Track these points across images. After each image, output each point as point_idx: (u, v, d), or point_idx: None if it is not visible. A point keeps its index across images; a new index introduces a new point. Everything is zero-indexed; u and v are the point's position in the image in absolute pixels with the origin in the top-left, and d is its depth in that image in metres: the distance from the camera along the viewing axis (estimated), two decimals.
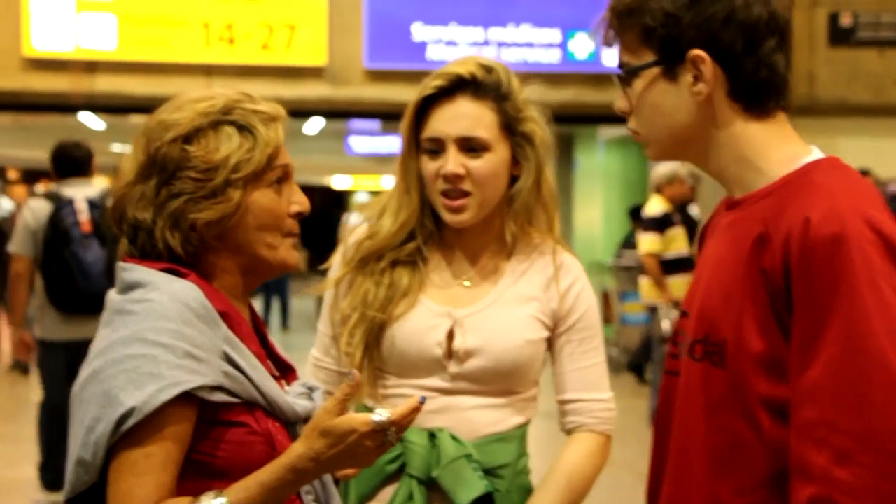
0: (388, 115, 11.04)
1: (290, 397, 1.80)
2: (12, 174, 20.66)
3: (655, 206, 8.37)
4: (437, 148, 2.27)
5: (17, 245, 5.87)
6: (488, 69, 2.27)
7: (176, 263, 1.74)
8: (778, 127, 1.64)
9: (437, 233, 2.35)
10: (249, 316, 1.84)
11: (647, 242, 8.30)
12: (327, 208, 25.92)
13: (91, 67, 9.81)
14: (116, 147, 19.64)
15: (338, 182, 28.56)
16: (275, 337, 1.90)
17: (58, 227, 5.72)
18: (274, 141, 1.77)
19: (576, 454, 2.32)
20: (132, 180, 1.76)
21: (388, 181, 21.06)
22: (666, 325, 8.16)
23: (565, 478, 2.28)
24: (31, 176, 19.44)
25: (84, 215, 5.77)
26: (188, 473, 1.67)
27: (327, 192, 28.95)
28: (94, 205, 5.80)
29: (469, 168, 2.25)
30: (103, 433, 1.62)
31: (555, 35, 10.25)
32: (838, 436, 1.45)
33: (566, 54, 10.26)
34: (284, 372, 1.88)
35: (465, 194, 2.26)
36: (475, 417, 2.29)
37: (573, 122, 12.04)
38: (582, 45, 10.22)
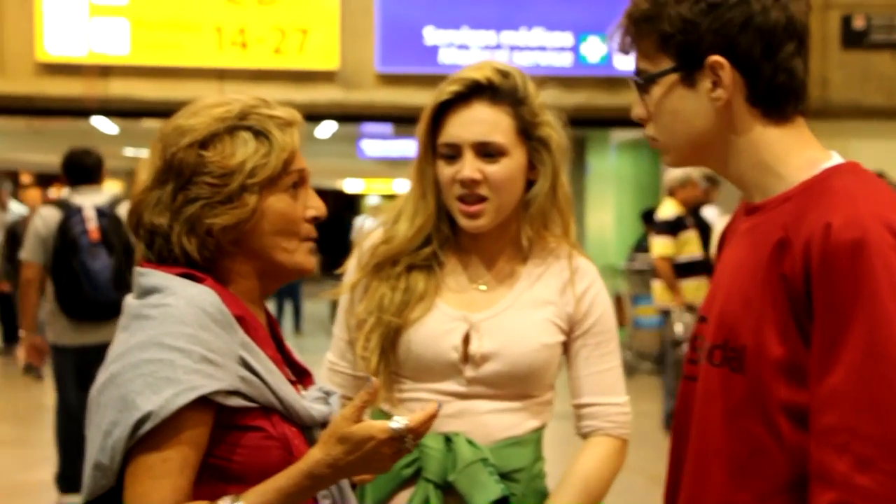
0: (400, 119, 11.05)
1: (307, 402, 1.80)
2: (25, 178, 20.74)
3: (668, 210, 8.36)
4: (453, 153, 2.26)
5: (28, 252, 5.93)
6: (505, 74, 2.27)
7: (192, 268, 1.74)
8: (797, 132, 1.64)
9: (453, 237, 2.35)
10: (266, 320, 1.85)
11: (660, 246, 8.29)
12: (339, 212, 25.94)
13: (104, 72, 9.84)
14: (129, 151, 19.70)
15: (350, 186, 28.58)
16: (287, 340, 1.90)
17: (66, 235, 5.79)
18: (290, 146, 1.78)
19: (592, 458, 2.31)
20: (149, 185, 1.76)
21: (400, 185, 21.08)
22: (679, 328, 8.15)
23: (581, 482, 2.28)
24: (44, 180, 19.51)
25: (92, 223, 5.83)
26: (204, 478, 1.67)
27: (339, 195, 28.97)
28: (102, 213, 5.86)
29: (486, 173, 2.25)
30: (120, 437, 1.62)
31: (567, 38, 10.24)
32: (859, 442, 1.44)
33: (578, 58, 10.25)
34: (301, 376, 1.89)
35: (482, 199, 2.26)
36: (491, 421, 2.28)
37: (585, 125, 12.02)
38: (594, 49, 10.22)
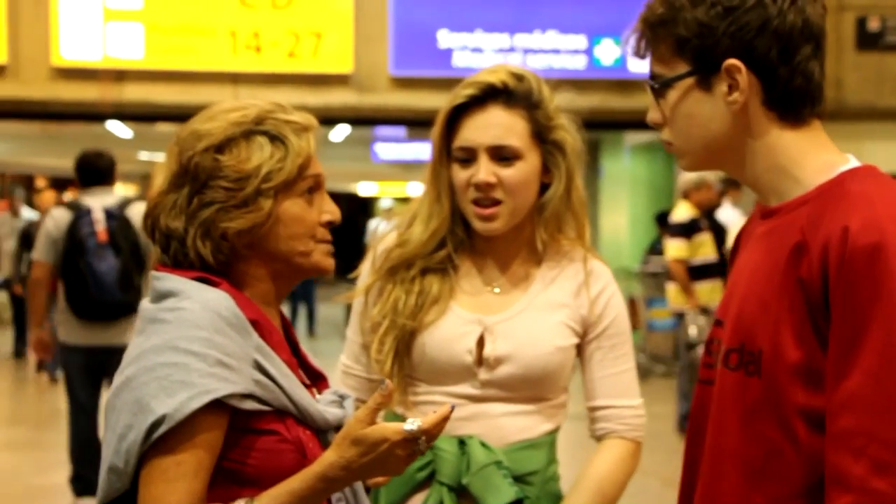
0: (413, 122, 11.06)
1: (321, 405, 1.80)
2: (40, 182, 20.80)
3: (682, 212, 8.35)
4: (468, 157, 2.27)
5: (39, 252, 6.01)
6: (519, 77, 2.27)
7: (208, 272, 1.74)
8: (813, 135, 1.63)
9: (468, 240, 2.35)
10: (281, 324, 1.85)
11: (674, 248, 8.28)
12: (353, 215, 25.96)
13: (119, 76, 9.88)
14: (144, 155, 19.74)
15: (364, 189, 28.61)
16: (301, 344, 1.90)
17: (75, 236, 5.87)
18: (305, 151, 1.78)
19: (606, 461, 2.31)
20: (165, 189, 1.77)
21: (414, 188, 21.08)
22: (693, 331, 8.14)
23: (596, 484, 2.28)
24: (59, 184, 19.55)
25: (101, 225, 5.89)
26: (218, 481, 1.68)
27: (353, 199, 29.00)
28: (111, 214, 5.93)
29: (500, 177, 2.25)
30: (135, 441, 1.63)
31: (580, 41, 10.25)
32: (876, 445, 1.44)
33: (592, 60, 10.25)
34: (315, 380, 1.89)
35: (497, 203, 2.26)
36: (505, 424, 2.29)
37: (599, 128, 12.02)
38: (608, 52, 10.21)
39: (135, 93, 9.96)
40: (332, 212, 1.82)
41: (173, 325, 1.67)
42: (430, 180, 2.33)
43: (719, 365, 1.64)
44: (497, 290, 2.34)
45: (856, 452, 1.45)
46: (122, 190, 6.23)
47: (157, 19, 9.84)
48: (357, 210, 28.59)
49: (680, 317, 8.51)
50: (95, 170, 6.07)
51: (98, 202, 5.96)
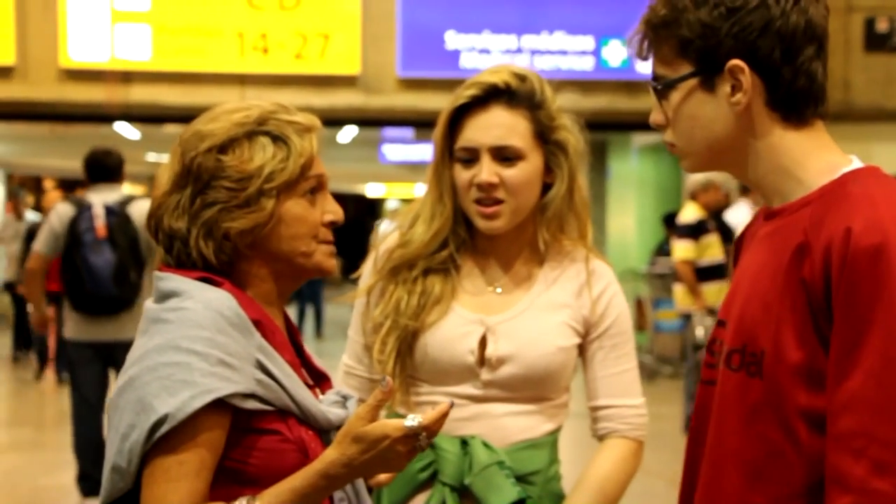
0: (421, 124, 11.06)
1: (324, 406, 1.80)
2: (48, 184, 20.84)
3: (690, 213, 8.36)
4: (470, 157, 2.27)
5: (38, 243, 6.11)
6: (522, 78, 2.27)
7: (211, 272, 1.75)
8: (816, 136, 1.63)
9: (470, 240, 2.35)
10: (284, 324, 1.85)
11: (682, 249, 8.28)
12: (361, 216, 25.99)
13: (126, 77, 9.90)
14: (151, 156, 19.77)
15: (371, 190, 28.63)
16: (309, 344, 1.91)
17: (75, 231, 5.96)
18: (308, 151, 1.78)
19: (608, 460, 2.32)
20: (168, 190, 1.77)
21: (421, 189, 21.06)
22: (700, 332, 8.13)
23: (597, 484, 2.29)
24: (66, 185, 19.59)
25: (100, 220, 5.97)
26: (220, 480, 1.68)
27: (361, 200, 29.02)
28: (111, 211, 6.01)
29: (503, 177, 2.25)
30: (137, 440, 1.63)
31: (588, 42, 10.24)
32: (877, 446, 1.44)
33: (600, 61, 10.24)
34: (319, 381, 1.89)
35: (499, 202, 2.26)
36: (507, 424, 2.29)
37: (606, 129, 12.02)
38: (615, 53, 10.21)
39: (142, 94, 9.98)
40: (334, 212, 1.83)
41: (176, 324, 1.67)
42: (432, 180, 2.33)
43: (721, 365, 1.64)
44: (499, 290, 2.34)
45: (856, 453, 1.45)
46: (129, 190, 6.30)
47: (165, 21, 9.85)
48: (365, 211, 28.62)
49: (687, 318, 8.51)
50: (103, 167, 6.16)
51: (100, 198, 6.05)
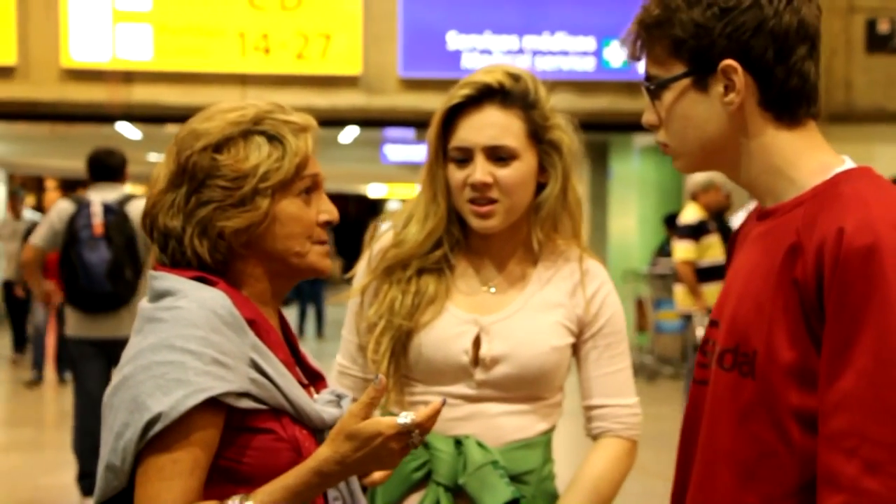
0: (422, 124, 10.94)
1: (319, 405, 1.80)
2: (49, 184, 20.85)
3: (691, 214, 8.36)
4: (464, 157, 2.27)
5: (35, 237, 6.18)
6: (516, 77, 2.27)
7: (205, 271, 1.75)
8: (809, 136, 1.63)
9: (464, 240, 2.35)
10: (278, 323, 1.85)
11: (683, 250, 8.28)
12: (363, 217, 25.98)
13: (128, 77, 9.90)
14: (153, 157, 19.77)
15: (373, 191, 28.63)
16: (310, 345, 1.92)
17: (72, 227, 6.03)
18: (303, 151, 1.78)
19: (602, 460, 2.32)
20: (163, 188, 1.78)
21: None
22: (700, 332, 8.12)
23: (591, 483, 2.29)
24: (68, 185, 19.60)
25: (97, 218, 6.03)
26: (214, 479, 1.68)
27: (363, 200, 29.03)
28: (109, 209, 6.07)
29: (497, 177, 2.25)
30: (131, 439, 1.64)
31: (590, 43, 10.24)
32: (869, 445, 1.44)
33: (601, 62, 10.24)
34: (314, 380, 1.89)
35: (493, 201, 2.26)
36: (501, 424, 2.29)
37: (608, 129, 12.02)
38: (617, 53, 10.20)
39: (143, 94, 9.99)
40: (329, 211, 1.83)
41: (170, 323, 1.68)
42: (426, 180, 2.33)
43: (714, 365, 1.64)
44: (493, 290, 2.34)
45: (848, 452, 1.45)
46: (128, 188, 6.36)
47: (166, 21, 9.86)
48: (366, 212, 28.61)
49: (687, 318, 8.51)
50: (105, 166, 6.22)
51: (99, 197, 6.10)
